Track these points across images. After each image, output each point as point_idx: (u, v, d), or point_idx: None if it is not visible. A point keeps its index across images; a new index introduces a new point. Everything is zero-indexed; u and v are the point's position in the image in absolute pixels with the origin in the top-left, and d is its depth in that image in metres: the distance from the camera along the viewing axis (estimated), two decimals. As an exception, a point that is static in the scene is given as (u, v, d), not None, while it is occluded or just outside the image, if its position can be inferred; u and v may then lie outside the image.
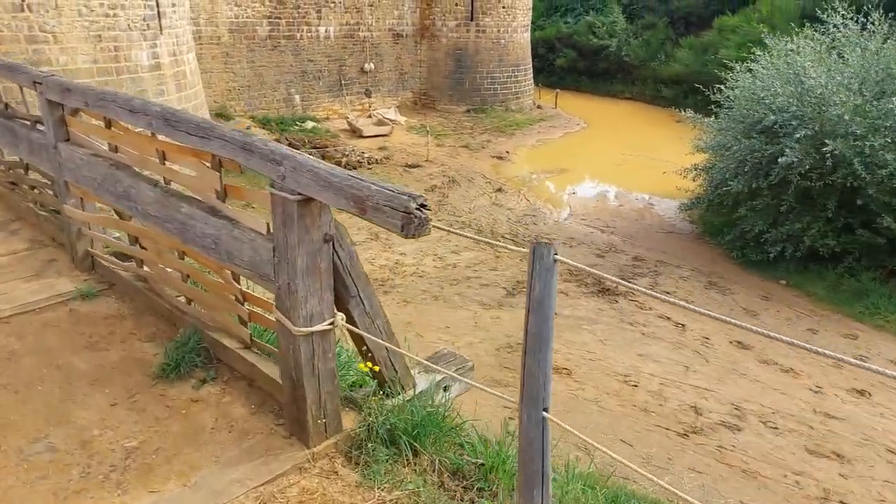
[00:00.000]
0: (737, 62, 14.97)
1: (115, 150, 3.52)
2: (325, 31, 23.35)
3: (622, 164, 21.75)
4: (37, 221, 4.83)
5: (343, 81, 24.45)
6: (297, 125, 22.24)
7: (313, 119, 23.16)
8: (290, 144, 19.46)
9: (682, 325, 10.89)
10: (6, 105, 4.70)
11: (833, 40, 13.28)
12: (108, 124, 3.47)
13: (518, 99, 28.44)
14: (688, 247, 14.47)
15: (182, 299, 3.54)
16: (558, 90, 30.75)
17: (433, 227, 2.06)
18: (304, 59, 22.98)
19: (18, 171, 4.96)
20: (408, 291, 11.69)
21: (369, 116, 24.59)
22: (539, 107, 29.46)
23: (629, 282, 12.61)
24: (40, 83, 3.75)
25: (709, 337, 10.53)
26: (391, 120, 23.93)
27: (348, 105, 24.79)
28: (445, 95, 27.27)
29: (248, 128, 20.43)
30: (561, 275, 12.80)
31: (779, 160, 11.70)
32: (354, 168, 19.34)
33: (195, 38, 18.37)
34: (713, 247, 14.30)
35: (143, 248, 3.71)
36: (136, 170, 3.39)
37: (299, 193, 2.31)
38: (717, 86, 14.91)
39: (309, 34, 22.84)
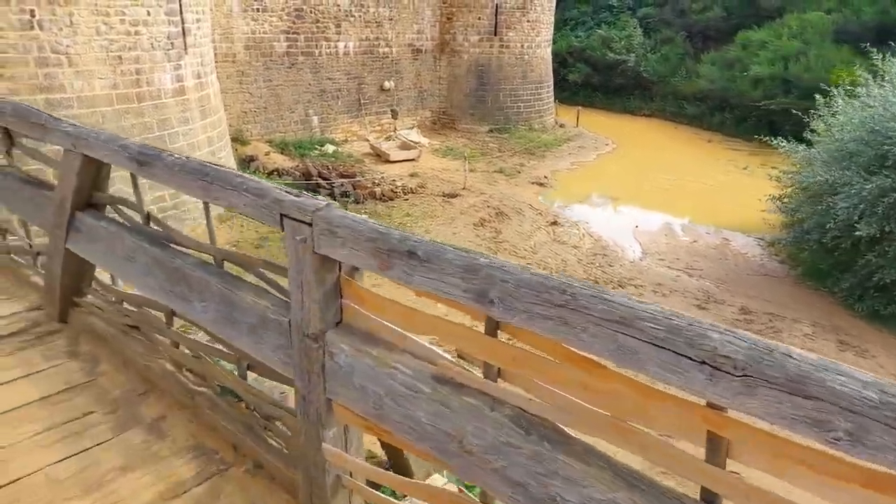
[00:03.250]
0: (833, 87, 13.54)
1: (498, 374, 1.64)
2: (345, 46, 21.42)
3: (668, 190, 20.29)
4: (197, 407, 2.85)
5: (362, 101, 22.52)
6: (316, 149, 20.23)
7: (332, 142, 21.16)
8: (319, 174, 17.46)
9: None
10: (148, 217, 2.73)
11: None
12: (495, 327, 1.60)
13: (541, 117, 26.85)
14: (791, 293, 12.87)
15: None
16: (580, 108, 29.25)
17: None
18: (323, 76, 21.00)
19: (147, 312, 3.01)
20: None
21: (388, 138, 22.66)
22: (561, 125, 27.87)
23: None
24: (308, 224, 1.84)
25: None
26: (416, 142, 22.07)
27: (367, 126, 22.85)
28: (467, 114, 25.50)
29: (266, 154, 18.38)
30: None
31: (928, 203, 10.21)
32: (390, 199, 17.44)
33: (212, 55, 16.31)
34: (821, 294, 12.71)
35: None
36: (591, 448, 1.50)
37: None
38: (815, 111, 13.47)
39: (328, 50, 20.89)
